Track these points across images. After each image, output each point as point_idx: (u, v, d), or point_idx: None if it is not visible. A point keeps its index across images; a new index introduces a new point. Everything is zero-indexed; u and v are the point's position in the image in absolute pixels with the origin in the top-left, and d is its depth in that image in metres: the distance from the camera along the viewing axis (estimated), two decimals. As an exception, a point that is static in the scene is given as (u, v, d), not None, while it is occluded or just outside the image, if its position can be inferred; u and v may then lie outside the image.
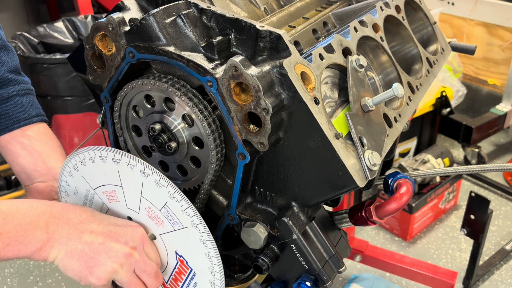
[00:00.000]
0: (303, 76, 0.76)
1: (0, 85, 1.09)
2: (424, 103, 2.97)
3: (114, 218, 0.88)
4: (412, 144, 3.13)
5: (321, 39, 0.98)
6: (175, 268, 0.92)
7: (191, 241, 0.86)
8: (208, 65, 0.76)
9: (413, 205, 2.60)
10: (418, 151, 3.14)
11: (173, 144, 0.84)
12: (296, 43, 0.92)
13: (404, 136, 3.03)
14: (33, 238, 0.78)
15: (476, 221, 2.15)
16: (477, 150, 3.18)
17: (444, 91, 3.02)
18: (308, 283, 0.85)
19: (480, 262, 2.45)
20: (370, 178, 0.78)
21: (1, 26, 1.15)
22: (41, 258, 0.81)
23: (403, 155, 3.13)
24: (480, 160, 3.21)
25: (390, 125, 0.90)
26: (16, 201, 0.81)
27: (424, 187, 2.74)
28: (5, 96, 1.09)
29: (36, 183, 1.09)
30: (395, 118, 0.92)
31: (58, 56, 2.62)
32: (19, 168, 1.10)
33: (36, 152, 1.09)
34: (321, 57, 0.81)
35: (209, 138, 0.80)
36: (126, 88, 0.85)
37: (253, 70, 0.73)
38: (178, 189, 0.83)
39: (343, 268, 0.89)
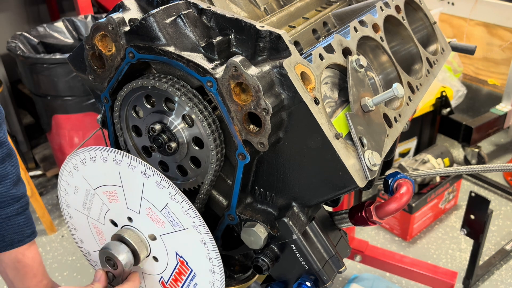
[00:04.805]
0: (303, 76, 0.75)
1: (0, 203, 1.04)
2: (424, 103, 2.97)
3: None
4: (412, 144, 3.13)
5: (321, 39, 0.98)
6: (175, 268, 0.92)
7: (192, 242, 0.86)
8: (208, 65, 0.76)
9: (413, 205, 2.60)
10: (418, 151, 3.14)
11: (173, 144, 0.84)
12: (296, 43, 0.92)
13: (404, 136, 3.03)
14: None
15: (476, 221, 2.15)
16: (477, 150, 3.18)
17: (444, 91, 3.02)
18: (308, 283, 0.85)
19: (480, 262, 2.45)
20: (370, 178, 0.78)
21: (2, 107, 1.08)
22: None
23: (403, 155, 3.13)
24: (480, 160, 3.21)
25: (390, 125, 0.90)
26: None
27: (424, 187, 2.74)
28: (3, 217, 1.05)
29: None
30: (395, 118, 0.92)
31: (58, 56, 2.61)
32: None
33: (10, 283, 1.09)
34: (321, 57, 0.81)
35: (209, 138, 0.80)
36: (126, 88, 0.85)
37: (253, 70, 0.73)
38: (179, 191, 0.83)
39: (343, 268, 0.89)
